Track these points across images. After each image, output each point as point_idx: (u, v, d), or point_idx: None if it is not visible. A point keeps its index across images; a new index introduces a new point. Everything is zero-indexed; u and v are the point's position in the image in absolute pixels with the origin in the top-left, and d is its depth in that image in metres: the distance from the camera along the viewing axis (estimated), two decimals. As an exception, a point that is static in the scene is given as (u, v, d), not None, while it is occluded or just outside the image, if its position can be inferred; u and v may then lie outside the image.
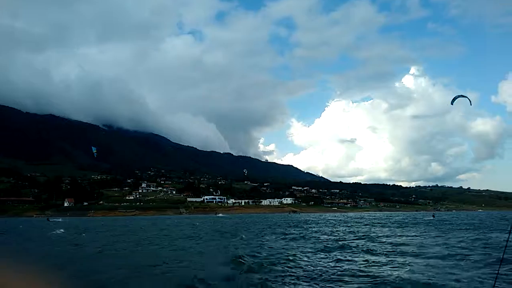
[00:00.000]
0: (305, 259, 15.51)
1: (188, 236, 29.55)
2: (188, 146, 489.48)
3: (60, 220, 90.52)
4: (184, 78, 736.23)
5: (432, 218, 69.71)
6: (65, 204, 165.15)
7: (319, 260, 15.25)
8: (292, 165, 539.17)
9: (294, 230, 35.66)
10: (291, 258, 15.28)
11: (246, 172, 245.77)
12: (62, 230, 39.59)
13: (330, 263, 14.33)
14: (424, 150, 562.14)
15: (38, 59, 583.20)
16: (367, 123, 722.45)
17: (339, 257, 15.97)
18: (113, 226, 53.65)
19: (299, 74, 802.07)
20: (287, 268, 13.02)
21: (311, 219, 75.96)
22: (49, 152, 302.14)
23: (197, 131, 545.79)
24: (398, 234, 29.11)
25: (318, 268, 13.26)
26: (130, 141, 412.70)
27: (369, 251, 17.77)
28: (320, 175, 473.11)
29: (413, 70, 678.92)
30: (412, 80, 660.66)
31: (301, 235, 29.25)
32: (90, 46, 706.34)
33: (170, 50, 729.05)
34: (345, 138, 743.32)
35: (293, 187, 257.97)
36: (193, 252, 18.57)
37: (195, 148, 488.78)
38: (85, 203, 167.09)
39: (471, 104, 19.22)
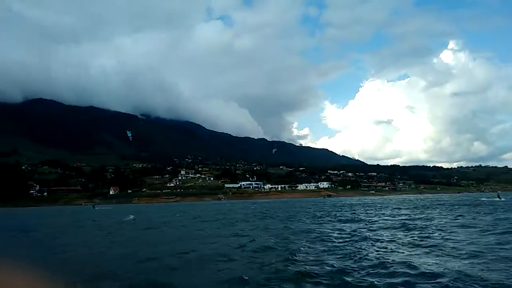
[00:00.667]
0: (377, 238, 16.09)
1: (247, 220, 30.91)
2: (222, 132, 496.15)
3: (104, 208, 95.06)
4: (215, 65, 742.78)
5: (498, 199, 61.23)
6: (111, 192, 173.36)
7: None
8: (327, 149, 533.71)
9: (348, 214, 36.00)
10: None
11: (275, 151, 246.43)
12: (132, 216, 42.02)
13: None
14: (466, 129, 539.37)
15: (75, 52, 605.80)
16: (404, 102, 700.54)
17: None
18: (179, 212, 55.84)
19: (331, 55, 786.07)
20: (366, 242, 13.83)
21: (354, 202, 75.62)
22: (92, 142, 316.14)
23: (230, 117, 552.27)
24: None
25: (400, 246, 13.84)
26: (167, 129, 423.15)
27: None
28: (356, 158, 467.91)
29: (451, 44, 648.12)
30: (451, 55, 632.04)
31: (358, 218, 29.82)
32: (124, 37, 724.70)
33: (201, 37, 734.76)
34: (381, 119, 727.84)
35: (328, 171, 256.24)
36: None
37: (230, 134, 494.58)
38: (129, 191, 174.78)
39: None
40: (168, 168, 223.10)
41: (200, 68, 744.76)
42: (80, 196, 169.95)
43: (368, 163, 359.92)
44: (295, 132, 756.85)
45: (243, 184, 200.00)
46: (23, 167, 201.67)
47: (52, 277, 9.40)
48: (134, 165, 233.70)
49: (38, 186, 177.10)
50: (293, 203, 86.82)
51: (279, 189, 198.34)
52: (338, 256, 12.49)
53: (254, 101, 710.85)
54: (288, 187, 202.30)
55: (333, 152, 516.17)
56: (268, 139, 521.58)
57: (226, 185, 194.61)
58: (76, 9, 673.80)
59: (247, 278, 9.63)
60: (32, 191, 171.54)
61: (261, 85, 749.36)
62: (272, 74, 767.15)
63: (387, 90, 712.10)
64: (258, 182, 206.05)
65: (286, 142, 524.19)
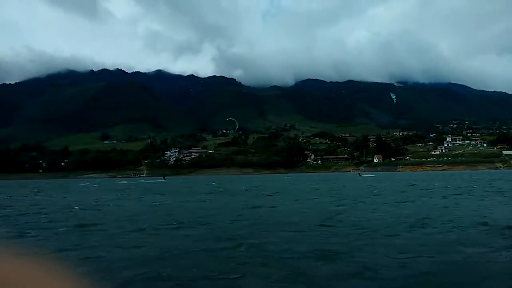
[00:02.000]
0: None
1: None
2: (494, 91, 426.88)
3: (370, 175, 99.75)
4: (480, 14, 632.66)
5: None
6: (375, 160, 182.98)
7: None
8: None
9: None
10: None
11: None
12: (437, 184, 44.24)
13: None
14: None
15: (333, 32, 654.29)
16: None
17: None
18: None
19: None
20: None
21: None
22: (353, 114, 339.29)
23: (505, 72, 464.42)
24: None
25: None
26: (427, 94, 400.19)
27: None
28: None
29: None
30: None
31: None
32: (376, 6, 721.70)
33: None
34: None
35: None
36: None
37: (504, 92, 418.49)
38: (393, 159, 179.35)
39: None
40: (431, 135, 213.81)
41: (461, 21, 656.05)
42: (347, 164, 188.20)
43: None
44: None
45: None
46: (300, 139, 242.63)
47: None
48: (394, 133, 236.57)
49: (313, 155, 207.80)
50: None
51: None
52: None
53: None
54: None
55: None
56: None
57: (504, 152, 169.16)
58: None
59: None
60: (309, 160, 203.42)
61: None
62: None
63: None
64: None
65: None
